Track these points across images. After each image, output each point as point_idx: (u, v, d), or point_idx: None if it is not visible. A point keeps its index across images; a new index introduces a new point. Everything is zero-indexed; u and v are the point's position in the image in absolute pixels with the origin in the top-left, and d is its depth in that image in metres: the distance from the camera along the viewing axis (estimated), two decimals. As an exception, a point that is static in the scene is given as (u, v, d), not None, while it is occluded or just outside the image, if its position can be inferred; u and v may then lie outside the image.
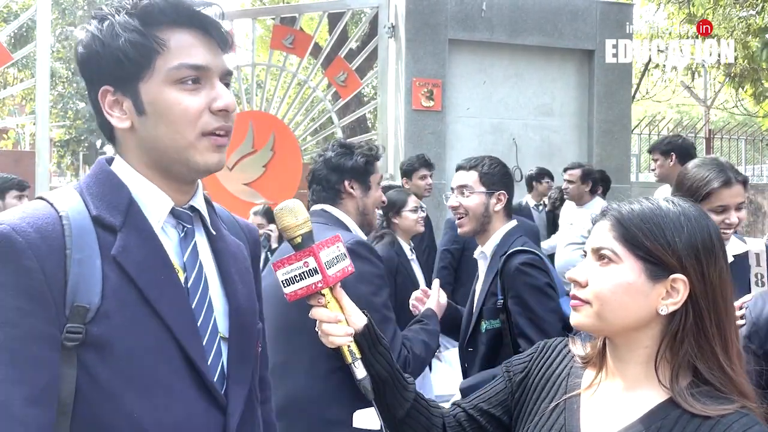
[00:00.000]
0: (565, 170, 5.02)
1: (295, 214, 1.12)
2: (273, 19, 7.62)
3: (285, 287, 1.12)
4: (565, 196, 5.04)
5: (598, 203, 4.97)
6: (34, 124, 6.96)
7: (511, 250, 2.15)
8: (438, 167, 6.39)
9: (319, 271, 1.09)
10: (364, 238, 2.14)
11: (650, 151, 4.24)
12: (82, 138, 26.56)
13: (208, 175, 1.07)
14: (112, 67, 0.97)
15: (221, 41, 1.02)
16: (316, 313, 1.13)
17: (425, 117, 6.41)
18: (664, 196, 1.09)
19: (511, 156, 6.72)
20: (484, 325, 2.18)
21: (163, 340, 0.95)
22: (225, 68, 1.03)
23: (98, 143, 27.53)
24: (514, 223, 2.32)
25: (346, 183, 2.10)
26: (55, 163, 27.78)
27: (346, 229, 2.06)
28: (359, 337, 1.16)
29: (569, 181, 4.91)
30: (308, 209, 1.95)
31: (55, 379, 0.88)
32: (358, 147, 2.17)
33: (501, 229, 2.27)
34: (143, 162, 1.02)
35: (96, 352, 0.90)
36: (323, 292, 1.12)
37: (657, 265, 1.01)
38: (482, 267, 2.29)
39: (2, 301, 0.85)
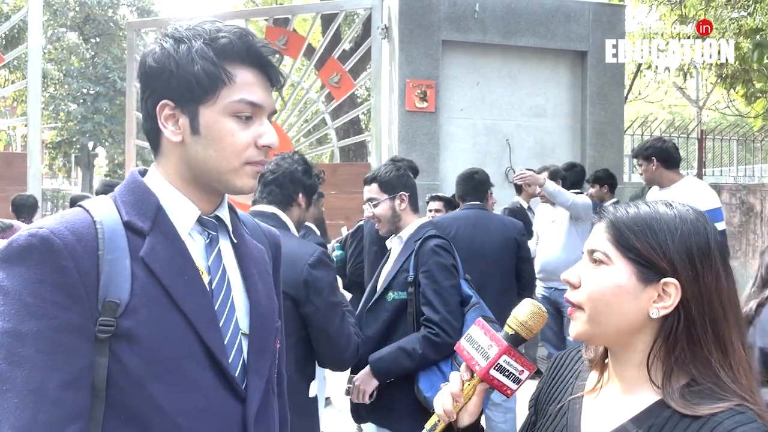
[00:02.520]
0: None
1: (540, 321, 1.14)
2: (266, 20, 7.61)
3: (466, 344, 1.16)
4: (542, 201, 5.02)
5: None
6: (25, 125, 6.93)
7: (427, 234, 2.58)
8: (432, 168, 6.40)
9: (487, 361, 1.12)
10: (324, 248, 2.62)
11: (635, 157, 4.23)
12: (74, 140, 26.44)
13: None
14: (180, 86, 1.06)
15: (275, 82, 1.14)
16: (453, 378, 1.16)
17: (419, 118, 6.42)
18: (663, 200, 1.08)
19: (504, 157, 6.74)
20: (391, 296, 2.56)
21: (186, 335, 1.04)
22: (273, 108, 1.14)
23: (90, 145, 27.42)
24: (425, 219, 2.75)
25: (300, 195, 2.49)
26: (46, 165, 27.65)
27: (289, 232, 2.41)
28: (453, 427, 1.17)
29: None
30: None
31: (89, 366, 0.97)
32: (313, 168, 2.60)
33: (414, 222, 2.68)
34: (181, 174, 1.11)
35: (125, 343, 0.99)
36: (474, 374, 1.14)
37: (648, 268, 1.00)
38: (396, 250, 2.69)
39: (42, 295, 0.94)
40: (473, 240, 3.79)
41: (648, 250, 1.00)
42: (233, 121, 1.07)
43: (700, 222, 1.03)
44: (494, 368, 1.10)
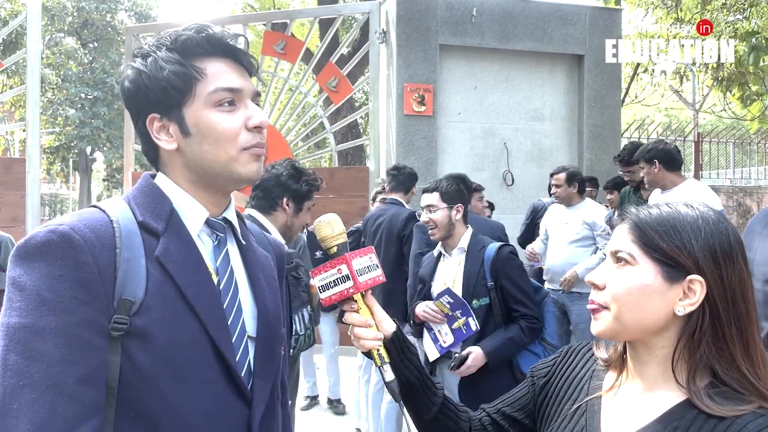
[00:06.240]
0: (552, 175, 5.06)
1: (331, 227, 1.22)
2: (264, 24, 7.63)
3: (321, 292, 1.21)
4: (555, 200, 5.07)
5: (588, 205, 4.99)
6: (24, 130, 6.94)
7: (497, 244, 2.91)
8: (430, 172, 6.41)
9: (350, 278, 1.18)
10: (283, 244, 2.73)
11: (636, 161, 4.25)
12: (72, 144, 26.43)
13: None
14: (158, 96, 1.09)
15: (249, 67, 1.16)
16: (348, 317, 1.22)
17: (417, 122, 6.44)
18: (683, 201, 1.10)
19: (502, 160, 6.76)
20: (476, 303, 2.85)
21: (197, 335, 1.05)
22: (254, 90, 1.15)
23: (88, 150, 27.41)
24: (470, 229, 3.03)
25: (285, 200, 2.54)
26: (44, 170, 27.63)
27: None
28: (388, 343, 1.23)
29: (556, 185, 4.95)
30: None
31: (104, 362, 0.97)
32: (305, 174, 2.60)
33: (467, 232, 2.99)
34: (186, 178, 1.14)
35: (138, 342, 0.99)
36: (355, 297, 1.20)
37: (673, 267, 1.02)
38: (456, 259, 2.98)
39: (61, 290, 0.94)
40: None
41: (673, 249, 1.02)
42: (217, 111, 1.09)
43: (721, 223, 1.05)
44: (359, 277, 1.18)
